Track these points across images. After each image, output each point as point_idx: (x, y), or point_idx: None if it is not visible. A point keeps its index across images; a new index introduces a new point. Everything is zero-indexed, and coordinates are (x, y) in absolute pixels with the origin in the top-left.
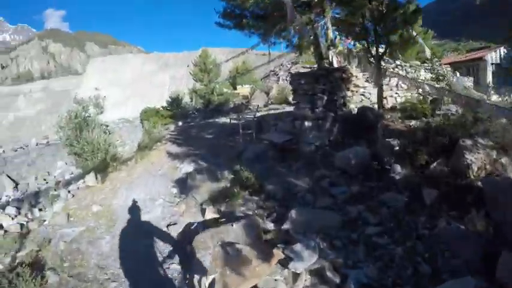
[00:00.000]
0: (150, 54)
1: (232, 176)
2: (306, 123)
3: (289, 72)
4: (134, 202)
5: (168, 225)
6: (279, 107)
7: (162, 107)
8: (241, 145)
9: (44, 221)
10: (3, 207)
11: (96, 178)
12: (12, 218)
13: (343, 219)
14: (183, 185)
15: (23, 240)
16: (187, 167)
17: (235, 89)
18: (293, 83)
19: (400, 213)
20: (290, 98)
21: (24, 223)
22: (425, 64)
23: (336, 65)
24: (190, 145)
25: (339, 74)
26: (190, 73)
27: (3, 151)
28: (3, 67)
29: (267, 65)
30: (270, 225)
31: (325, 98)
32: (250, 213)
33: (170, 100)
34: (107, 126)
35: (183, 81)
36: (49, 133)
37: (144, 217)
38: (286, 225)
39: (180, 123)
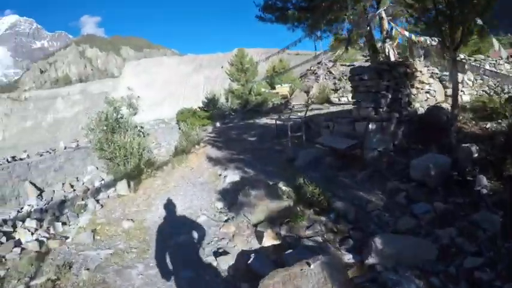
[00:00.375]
0: (184, 56)
1: (288, 189)
2: (370, 126)
3: (329, 71)
4: (172, 218)
5: (215, 253)
6: (321, 106)
7: (199, 107)
8: (290, 150)
9: (67, 238)
10: (23, 219)
11: (129, 186)
12: (32, 233)
13: (436, 247)
14: (230, 199)
15: (41, 264)
16: (232, 176)
17: (273, 88)
18: (353, 79)
19: (497, 238)
20: (332, 97)
21: (45, 240)
22: (490, 58)
23: (392, 58)
24: (232, 149)
25: (403, 68)
26: (227, 73)
27: (28, 155)
28: (42, 72)
29: (305, 64)
30: (348, 257)
31: (389, 96)
32: (319, 238)
33: (206, 101)
34: (142, 127)
35: (217, 81)
36: (79, 136)
37: (184, 239)
38: (371, 259)
39: (218, 124)
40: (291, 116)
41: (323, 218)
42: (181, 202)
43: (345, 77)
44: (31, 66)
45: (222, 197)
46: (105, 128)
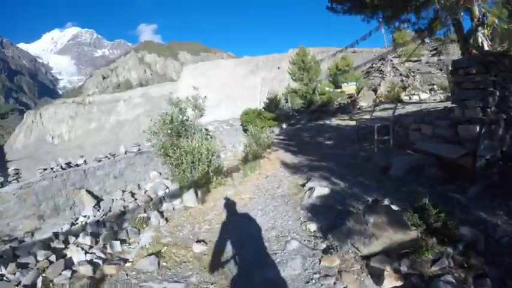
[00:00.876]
0: (240, 59)
1: (412, 214)
2: (477, 129)
3: (394, 68)
4: (254, 243)
5: None
6: (393, 106)
7: (264, 108)
8: (377, 156)
9: (126, 261)
10: (77, 233)
11: (197, 196)
12: (86, 252)
13: None
14: (324, 219)
15: None
16: (320, 188)
17: (337, 87)
18: (455, 74)
19: None
20: (402, 95)
21: (100, 262)
22: None
23: (486, 49)
24: (309, 153)
25: (508, 61)
26: (289, 72)
27: (85, 161)
28: (104, 78)
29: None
30: None
31: (497, 93)
32: (450, 277)
33: (267, 101)
34: (208, 130)
35: (274, 82)
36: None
37: (274, 275)
38: None
39: (284, 126)
40: (364, 117)
41: (449, 250)
42: (261, 220)
43: (412, 74)
44: (94, 73)
45: (312, 215)
46: (169, 131)
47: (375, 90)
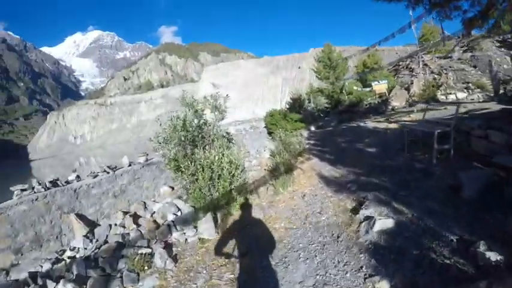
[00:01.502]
0: (261, 59)
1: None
2: None
3: (425, 65)
4: None
5: None
6: (431, 106)
7: (287, 108)
8: (437, 169)
9: None
10: (60, 275)
11: (216, 224)
12: None
13: None
14: (400, 273)
15: None
16: (381, 221)
17: (365, 86)
18: None
19: None
20: (438, 95)
21: None
22: None
23: None
24: (350, 164)
25: None
26: (314, 70)
27: (78, 177)
28: (125, 79)
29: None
30: None
31: None
32: None
33: (291, 101)
34: (229, 134)
35: (295, 82)
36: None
37: None
38: None
39: (312, 128)
40: (402, 118)
41: None
42: (306, 268)
43: (444, 71)
44: (115, 75)
45: (378, 263)
46: (182, 139)
47: (407, 89)
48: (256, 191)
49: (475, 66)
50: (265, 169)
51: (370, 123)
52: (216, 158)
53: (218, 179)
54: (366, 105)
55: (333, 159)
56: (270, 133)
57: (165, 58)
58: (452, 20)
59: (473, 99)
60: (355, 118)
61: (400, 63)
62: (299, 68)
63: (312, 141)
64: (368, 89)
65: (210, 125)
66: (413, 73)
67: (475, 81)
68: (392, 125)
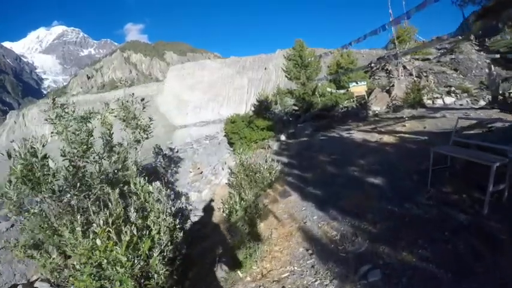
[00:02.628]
0: (227, 59)
1: None
2: None
3: (403, 67)
4: None
5: None
6: (419, 113)
7: (253, 111)
8: (500, 228)
9: None
10: None
11: None
12: None
13: None
14: None
15: None
16: None
17: (339, 88)
18: None
19: None
20: (425, 99)
21: None
22: None
23: None
24: (350, 209)
25: None
26: (283, 69)
27: None
28: (89, 77)
29: (379, 60)
30: None
31: None
32: None
33: (257, 103)
34: (174, 150)
35: (261, 83)
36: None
37: None
38: None
39: (283, 138)
40: (398, 130)
41: None
42: None
43: (424, 74)
44: (79, 73)
45: None
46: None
47: (388, 92)
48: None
49: (456, 70)
50: (220, 208)
51: (356, 134)
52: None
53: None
54: (342, 109)
55: (322, 197)
56: (231, 143)
57: (130, 56)
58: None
59: (462, 105)
60: (334, 125)
61: (373, 64)
62: (265, 69)
63: (285, 159)
64: (343, 91)
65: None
66: (391, 75)
67: (457, 85)
68: (387, 138)
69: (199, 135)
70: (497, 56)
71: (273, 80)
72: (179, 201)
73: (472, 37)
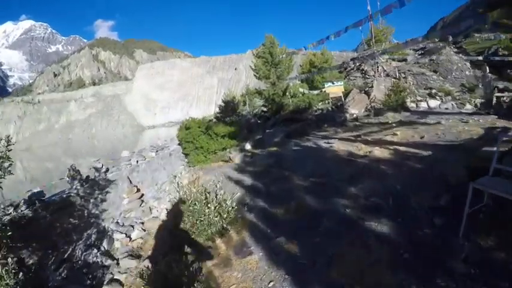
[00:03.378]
0: (197, 58)
1: None
2: None
3: (379, 67)
4: None
5: None
6: (405, 117)
7: (218, 113)
8: None
9: None
10: None
11: None
12: None
13: None
14: None
15: None
16: None
17: (312, 88)
18: None
19: None
20: (408, 101)
21: None
22: None
23: None
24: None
25: None
26: (252, 68)
27: None
28: (55, 75)
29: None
30: None
31: None
32: None
33: (223, 104)
34: (102, 170)
35: (231, 83)
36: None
37: None
38: None
39: (248, 147)
40: (389, 140)
41: None
42: None
43: (403, 75)
44: (45, 70)
45: None
46: None
47: (367, 94)
48: None
49: (435, 71)
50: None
51: (336, 144)
52: None
53: None
54: (316, 111)
55: (299, 258)
56: (186, 154)
57: (99, 54)
58: None
59: (448, 109)
60: (308, 131)
61: (346, 64)
62: (235, 69)
63: (248, 180)
64: (316, 92)
65: None
66: (367, 75)
67: (438, 87)
68: (379, 151)
69: (167, 136)
70: (480, 58)
71: (243, 81)
72: (91, 256)
73: (450, 38)
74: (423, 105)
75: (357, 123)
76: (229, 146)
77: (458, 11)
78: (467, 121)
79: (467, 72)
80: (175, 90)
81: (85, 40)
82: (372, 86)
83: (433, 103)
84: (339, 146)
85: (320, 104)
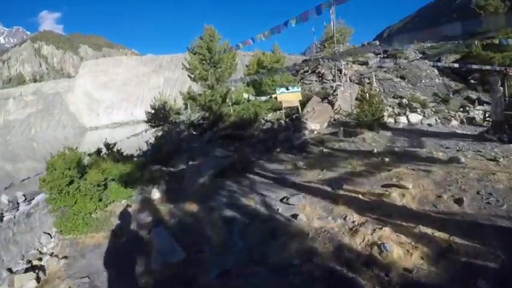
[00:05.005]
0: (144, 57)
1: None
2: None
3: (338, 70)
4: None
5: None
6: (390, 140)
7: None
8: None
9: None
10: None
11: None
12: None
13: None
14: None
15: None
16: None
17: (259, 94)
18: None
19: None
20: (385, 115)
21: None
22: None
23: None
24: None
25: None
26: (186, 66)
27: None
28: None
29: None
30: None
31: None
32: None
33: (152, 112)
34: None
35: (177, 83)
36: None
37: None
38: None
39: (155, 196)
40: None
41: None
42: None
43: (367, 80)
44: None
45: None
46: None
47: (330, 103)
48: None
49: (402, 77)
50: None
51: (304, 209)
52: None
53: None
54: (265, 124)
55: None
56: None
57: (42, 48)
58: None
59: (431, 125)
60: (252, 160)
61: (299, 66)
62: (182, 69)
63: None
64: (265, 98)
65: None
66: (324, 79)
67: (408, 95)
68: (394, 244)
69: (111, 139)
70: (456, 65)
71: (190, 81)
72: None
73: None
74: (402, 120)
75: (325, 150)
76: (123, 198)
77: (404, 21)
78: (495, 158)
79: (436, 80)
80: (119, 89)
81: (28, 32)
82: (335, 93)
83: (414, 118)
84: (309, 215)
85: (270, 115)
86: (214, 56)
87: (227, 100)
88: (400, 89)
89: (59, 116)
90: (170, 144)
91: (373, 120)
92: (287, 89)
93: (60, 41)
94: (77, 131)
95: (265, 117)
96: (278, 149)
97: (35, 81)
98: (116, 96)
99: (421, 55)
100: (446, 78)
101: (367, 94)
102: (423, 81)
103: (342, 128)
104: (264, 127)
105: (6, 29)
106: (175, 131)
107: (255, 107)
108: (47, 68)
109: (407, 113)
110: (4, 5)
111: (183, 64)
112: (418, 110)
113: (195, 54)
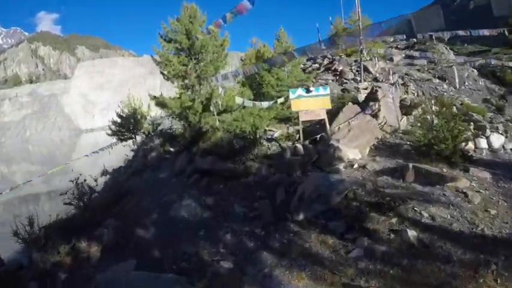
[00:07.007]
0: (140, 58)
1: None
2: None
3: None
4: None
5: None
6: None
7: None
8: None
9: None
10: None
11: None
12: None
13: None
14: None
15: None
16: None
17: (259, 97)
18: None
19: None
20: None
21: None
22: None
23: None
24: None
25: None
26: (156, 60)
27: None
28: None
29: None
30: None
31: None
32: None
33: (120, 121)
34: None
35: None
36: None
37: None
38: None
39: None
40: None
41: None
42: None
43: (400, 80)
44: None
45: None
46: None
47: (374, 116)
48: None
49: (442, 78)
50: None
51: None
52: None
53: None
54: (270, 148)
55: None
56: None
57: (38, 49)
58: None
59: None
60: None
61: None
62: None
63: None
64: (267, 104)
65: None
66: (345, 79)
67: (459, 103)
68: None
69: (106, 142)
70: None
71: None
72: None
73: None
74: (482, 145)
75: (410, 231)
76: None
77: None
78: None
79: (480, 83)
80: (115, 90)
81: (26, 33)
82: (377, 99)
83: (496, 140)
84: None
85: (278, 132)
86: (194, 43)
87: (211, 108)
88: (444, 93)
89: (54, 117)
90: (127, 175)
91: (450, 148)
92: (307, 91)
93: (57, 41)
94: (72, 133)
95: (269, 134)
96: (300, 215)
97: (31, 82)
98: (112, 97)
99: (452, 51)
100: (487, 81)
101: (438, 104)
102: (466, 83)
103: (411, 165)
104: (269, 151)
105: (4, 29)
106: (142, 149)
107: (253, 116)
108: (43, 69)
109: (488, 132)
110: (2, 5)
111: (152, 57)
112: (499, 127)
113: (169, 42)
